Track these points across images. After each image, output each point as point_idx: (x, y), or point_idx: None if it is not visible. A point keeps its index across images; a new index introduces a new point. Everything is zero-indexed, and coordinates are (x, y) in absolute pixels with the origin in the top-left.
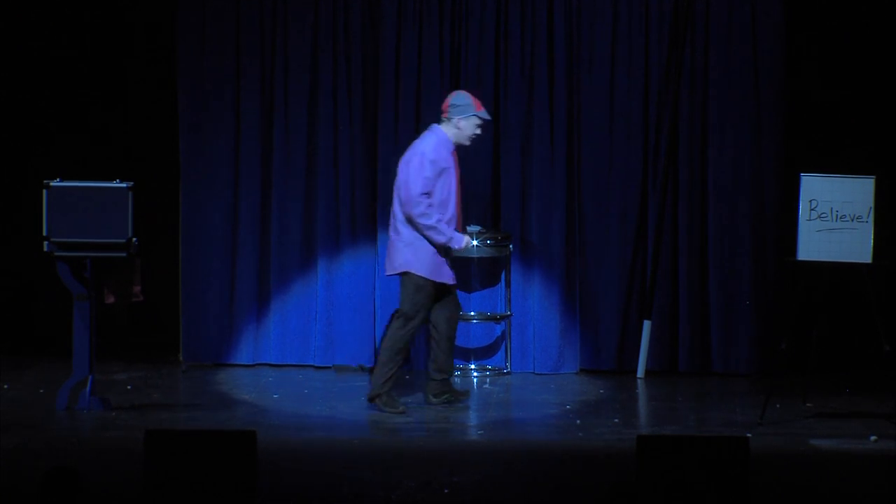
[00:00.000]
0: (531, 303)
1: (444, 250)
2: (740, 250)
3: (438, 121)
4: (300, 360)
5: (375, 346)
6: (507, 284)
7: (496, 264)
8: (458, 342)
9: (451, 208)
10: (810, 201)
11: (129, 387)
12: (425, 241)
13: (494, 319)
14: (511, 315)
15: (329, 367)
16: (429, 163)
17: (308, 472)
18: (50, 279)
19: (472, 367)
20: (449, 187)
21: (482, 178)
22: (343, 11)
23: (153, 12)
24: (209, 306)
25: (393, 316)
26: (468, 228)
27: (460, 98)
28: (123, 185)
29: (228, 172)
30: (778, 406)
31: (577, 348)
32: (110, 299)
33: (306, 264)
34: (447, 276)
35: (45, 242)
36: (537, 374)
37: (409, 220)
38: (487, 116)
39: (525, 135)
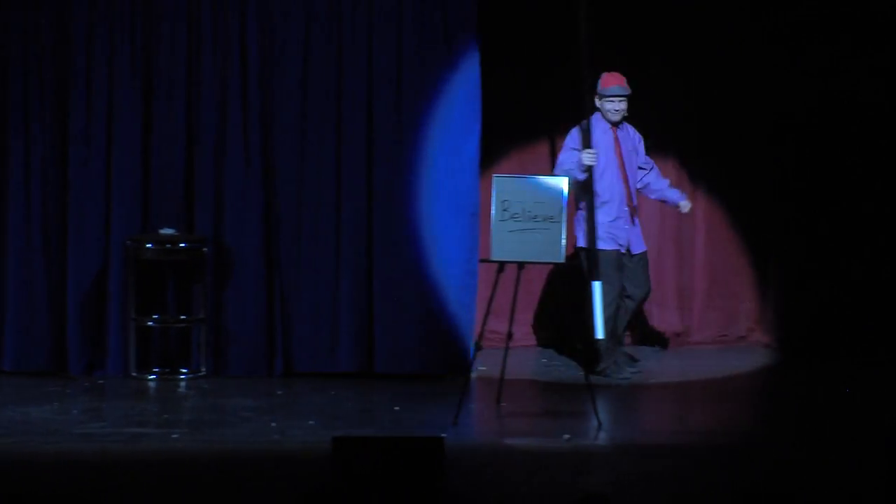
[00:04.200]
0: (231, 305)
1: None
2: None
3: None
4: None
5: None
6: (203, 288)
7: (191, 268)
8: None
9: (607, 183)
10: (503, 202)
11: None
12: (583, 214)
13: (188, 323)
14: (205, 319)
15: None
16: (564, 145)
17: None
18: None
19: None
20: (602, 164)
21: (173, 179)
22: (33, 32)
23: None
24: None
25: None
26: (161, 232)
27: (598, 82)
28: None
29: None
30: (473, 407)
31: (279, 348)
32: None
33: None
34: (606, 244)
35: None
36: (231, 377)
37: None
38: (610, 92)
39: (219, 136)
